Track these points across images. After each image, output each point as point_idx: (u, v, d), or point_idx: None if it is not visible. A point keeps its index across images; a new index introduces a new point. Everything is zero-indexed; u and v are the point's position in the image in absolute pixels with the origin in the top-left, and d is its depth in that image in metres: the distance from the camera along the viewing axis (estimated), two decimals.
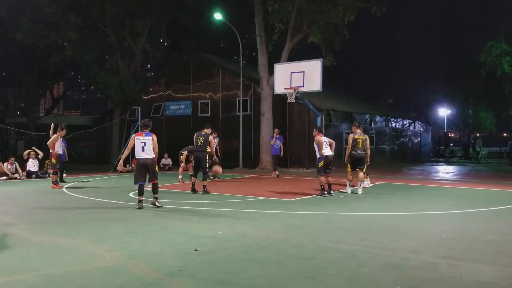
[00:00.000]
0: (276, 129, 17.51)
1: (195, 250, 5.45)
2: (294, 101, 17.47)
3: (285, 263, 4.93)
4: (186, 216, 7.92)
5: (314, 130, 11.38)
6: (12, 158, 16.44)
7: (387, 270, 4.68)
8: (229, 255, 5.25)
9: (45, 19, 22.13)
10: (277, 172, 16.83)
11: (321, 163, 10.65)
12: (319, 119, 17.43)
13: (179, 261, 4.97)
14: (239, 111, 22.37)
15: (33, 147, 16.77)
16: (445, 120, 42.98)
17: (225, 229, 6.78)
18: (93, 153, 28.07)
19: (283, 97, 18.70)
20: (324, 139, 10.95)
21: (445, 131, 43.35)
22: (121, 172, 19.59)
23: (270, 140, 17.50)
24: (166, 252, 5.39)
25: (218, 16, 22.72)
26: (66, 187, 12.95)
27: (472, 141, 39.34)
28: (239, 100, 22.72)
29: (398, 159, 28.39)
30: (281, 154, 17.02)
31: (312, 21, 19.78)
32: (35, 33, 22.17)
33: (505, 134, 37.56)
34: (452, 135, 46.73)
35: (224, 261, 5.02)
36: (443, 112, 41.89)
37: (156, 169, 9.01)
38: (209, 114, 24.56)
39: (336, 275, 4.52)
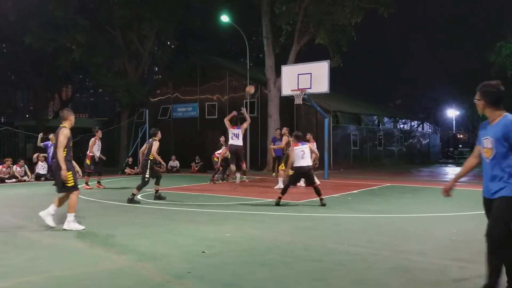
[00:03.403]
0: (277, 130, 16.61)
1: (203, 252, 5.45)
2: (301, 102, 17.44)
3: (293, 265, 4.92)
4: (194, 218, 7.94)
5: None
6: (21, 161, 16.59)
7: (396, 272, 4.65)
8: (237, 258, 5.24)
9: (54, 23, 22.31)
10: (274, 173, 16.30)
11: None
12: (326, 120, 17.40)
13: (187, 263, 4.97)
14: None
15: (41, 155, 16.87)
16: (454, 121, 42.73)
17: (233, 231, 6.78)
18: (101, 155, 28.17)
19: (290, 99, 18.70)
20: None
21: (454, 132, 43.10)
22: (129, 174, 19.74)
23: (273, 142, 16.28)
24: (174, 254, 5.40)
25: (225, 18, 22.77)
26: None
27: None
28: (246, 102, 22.73)
29: (406, 160, 28.28)
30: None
31: (319, 22, 19.76)
32: (44, 37, 22.35)
33: None
34: (461, 136, 46.44)
35: (231, 263, 5.02)
36: (452, 113, 41.66)
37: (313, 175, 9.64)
38: (216, 116, 24.60)
39: (344, 277, 4.51)
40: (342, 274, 4.60)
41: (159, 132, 10.37)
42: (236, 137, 12.17)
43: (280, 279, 4.44)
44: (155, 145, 10.08)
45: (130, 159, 20.84)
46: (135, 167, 20.62)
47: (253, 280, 4.42)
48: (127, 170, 20.17)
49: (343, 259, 5.16)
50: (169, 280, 4.42)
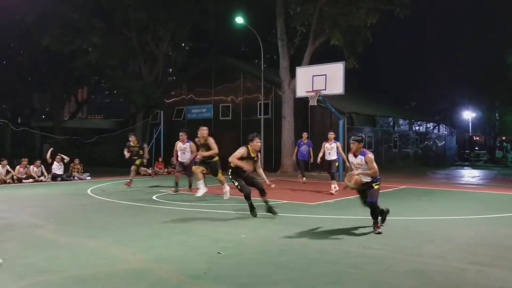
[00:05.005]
0: (304, 133, 15.50)
1: (218, 253, 5.47)
2: (316, 104, 17.38)
3: (308, 268, 4.90)
4: (209, 220, 7.96)
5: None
6: (38, 161, 16.83)
7: (412, 275, 4.61)
8: (253, 259, 5.25)
9: (71, 25, 22.61)
10: (304, 178, 15.51)
11: None
12: (341, 122, 17.32)
13: (203, 264, 4.99)
14: (260, 114, 22.39)
15: (60, 154, 17.13)
16: (470, 123, 42.19)
17: (248, 233, 6.79)
18: (116, 156, 28.44)
19: (304, 100, 18.66)
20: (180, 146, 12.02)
21: (470, 134, 42.55)
22: (143, 175, 19.86)
23: (298, 147, 15.13)
24: (189, 255, 5.42)
25: (239, 20, 22.80)
26: (91, 190, 13.18)
27: (498, 144, 38.47)
28: (260, 104, 22.75)
29: (422, 163, 27.98)
30: (311, 159, 14.89)
31: (334, 24, 19.67)
32: (61, 39, 22.66)
33: None
34: (477, 138, 45.85)
35: (247, 264, 5.02)
36: (468, 115, 41.17)
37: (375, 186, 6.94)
38: (230, 118, 24.67)
39: (360, 280, 4.48)
40: (358, 277, 4.57)
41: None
42: (183, 153, 12.03)
43: (296, 282, 4.43)
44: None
45: (145, 160, 20.94)
46: (150, 168, 20.76)
47: (269, 282, 4.42)
48: (142, 170, 20.27)
49: (358, 261, 5.13)
50: (186, 281, 4.44)
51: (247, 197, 8.06)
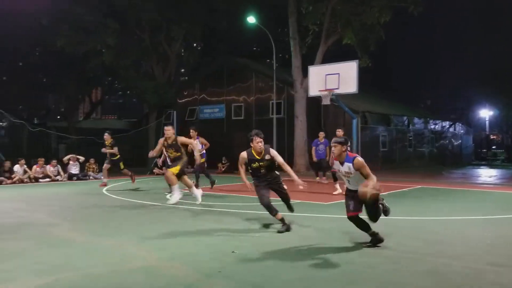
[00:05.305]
0: (321, 133, 15.00)
1: (232, 252, 5.47)
2: (329, 103, 17.29)
3: (322, 267, 4.87)
4: (223, 219, 7.97)
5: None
6: (54, 161, 17.05)
7: (429, 276, 4.55)
8: (266, 258, 5.23)
9: (84, 26, 22.82)
10: (317, 178, 15.01)
11: None
12: (354, 121, 17.20)
13: (217, 263, 4.99)
14: (272, 114, 22.37)
15: (74, 155, 17.36)
16: (487, 122, 41.60)
17: (261, 232, 6.78)
18: (130, 156, 28.64)
19: (317, 99, 18.57)
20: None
21: (487, 133, 41.96)
22: (157, 174, 20.00)
23: (315, 146, 14.74)
24: (204, 254, 5.43)
25: (251, 19, 22.78)
26: (106, 189, 13.30)
27: None
28: (272, 103, 22.72)
29: (437, 162, 27.69)
30: (327, 158, 14.18)
31: (347, 22, 19.55)
32: (75, 40, 22.89)
33: None
34: (495, 137, 45.23)
35: (261, 264, 5.01)
36: (485, 113, 40.61)
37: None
38: (242, 117, 24.69)
39: (375, 280, 4.43)
40: (373, 277, 4.53)
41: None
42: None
43: (310, 281, 4.41)
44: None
45: (159, 160, 21.09)
46: (163, 168, 20.87)
47: (283, 281, 4.40)
48: (156, 170, 20.46)
49: (373, 261, 5.08)
50: (200, 279, 4.45)
51: (268, 207, 6.88)
